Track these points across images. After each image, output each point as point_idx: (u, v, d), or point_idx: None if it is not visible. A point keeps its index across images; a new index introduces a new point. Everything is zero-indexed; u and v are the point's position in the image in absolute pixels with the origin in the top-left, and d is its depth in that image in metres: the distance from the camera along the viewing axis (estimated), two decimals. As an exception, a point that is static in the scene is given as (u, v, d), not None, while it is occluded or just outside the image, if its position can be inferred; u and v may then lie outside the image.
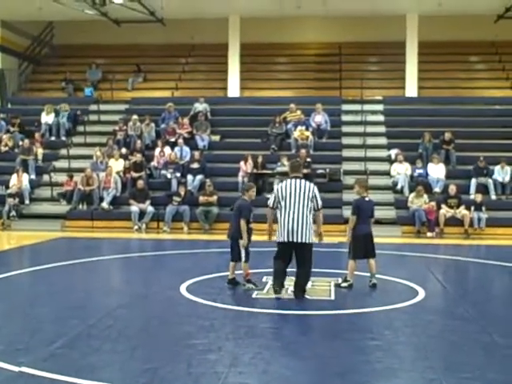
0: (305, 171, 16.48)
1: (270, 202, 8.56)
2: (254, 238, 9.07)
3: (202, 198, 17.46)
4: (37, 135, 20.54)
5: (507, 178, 18.00)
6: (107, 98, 23.48)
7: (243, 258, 8.91)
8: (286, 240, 8.31)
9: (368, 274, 9.24)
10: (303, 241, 8.28)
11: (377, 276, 9.36)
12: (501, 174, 18.06)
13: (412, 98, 22.57)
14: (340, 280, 9.31)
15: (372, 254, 9.17)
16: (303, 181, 8.49)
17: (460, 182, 17.93)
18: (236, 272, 9.15)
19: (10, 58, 24.70)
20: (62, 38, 26.23)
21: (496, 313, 8.29)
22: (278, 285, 8.50)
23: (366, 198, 9.35)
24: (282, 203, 8.37)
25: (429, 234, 16.53)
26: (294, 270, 8.53)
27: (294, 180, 8.47)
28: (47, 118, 21.41)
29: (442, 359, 5.85)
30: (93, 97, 23.78)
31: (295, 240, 8.28)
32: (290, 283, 8.74)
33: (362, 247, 9.09)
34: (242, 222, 8.82)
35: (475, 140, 19.91)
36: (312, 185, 8.51)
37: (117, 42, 25.26)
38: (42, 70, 26.50)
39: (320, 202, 8.44)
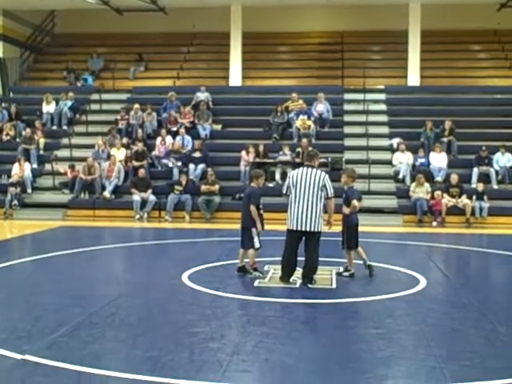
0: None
1: (283, 189, 8.70)
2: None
3: (203, 187, 17.46)
4: (38, 124, 20.53)
5: (510, 164, 18.02)
6: (109, 87, 23.44)
7: (257, 245, 8.91)
8: (295, 228, 8.37)
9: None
10: (312, 229, 8.34)
11: (378, 265, 9.39)
12: (502, 160, 18.03)
13: (414, 87, 22.52)
14: (341, 269, 9.34)
15: (358, 244, 9.23)
16: (314, 169, 8.54)
17: (462, 171, 17.91)
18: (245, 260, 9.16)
19: (11, 46, 24.63)
20: (64, 26, 26.15)
21: (497, 301, 8.32)
22: (286, 273, 8.57)
23: (354, 188, 9.39)
24: (293, 190, 8.45)
25: (434, 224, 16.51)
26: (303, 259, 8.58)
27: (306, 168, 8.54)
28: (48, 108, 21.40)
29: (443, 347, 5.87)
30: (92, 85, 23.75)
31: (304, 228, 8.33)
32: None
33: (355, 236, 9.13)
34: (253, 208, 8.86)
35: (477, 129, 19.86)
36: (323, 173, 8.54)
37: (118, 31, 25.21)
38: (44, 59, 26.44)
39: (331, 191, 8.47)
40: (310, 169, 8.53)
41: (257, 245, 8.92)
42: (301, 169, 8.60)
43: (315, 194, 8.36)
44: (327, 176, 8.56)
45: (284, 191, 8.67)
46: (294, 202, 8.40)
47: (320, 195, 8.39)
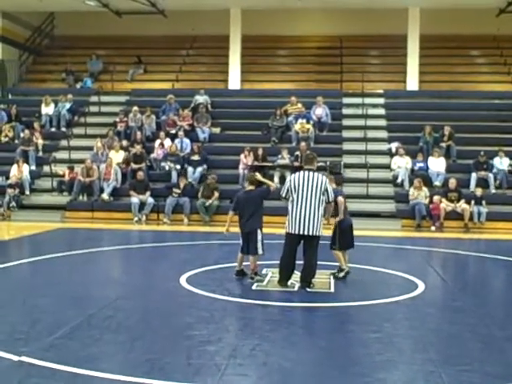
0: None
1: (283, 192, 8.59)
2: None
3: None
4: (37, 126, 20.52)
5: (508, 169, 18.05)
6: (108, 90, 23.44)
7: (260, 251, 8.88)
8: (296, 232, 8.34)
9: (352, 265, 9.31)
10: (313, 233, 8.33)
11: (376, 269, 9.39)
12: (500, 165, 18.06)
13: (413, 91, 22.52)
14: (336, 271, 9.31)
15: (352, 245, 9.27)
16: (316, 173, 8.50)
17: (460, 176, 17.91)
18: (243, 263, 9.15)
19: (10, 48, 24.62)
20: (63, 28, 26.16)
21: (494, 306, 8.33)
22: (284, 277, 8.56)
23: (339, 189, 9.41)
24: (294, 195, 8.39)
25: (433, 228, 16.51)
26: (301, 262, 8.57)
27: (307, 172, 8.49)
28: (47, 109, 21.40)
29: (441, 352, 5.87)
30: (91, 87, 23.74)
31: (306, 232, 8.31)
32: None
33: (348, 238, 9.14)
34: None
35: (475, 134, 19.88)
36: (324, 178, 8.53)
37: (118, 34, 25.20)
38: (43, 61, 26.44)
39: (332, 195, 8.50)
40: (311, 172, 8.49)
41: (260, 251, 8.88)
42: (302, 172, 8.54)
43: (317, 197, 8.33)
44: (328, 180, 8.56)
45: (284, 194, 8.58)
46: (296, 206, 8.35)
47: (322, 199, 8.37)
